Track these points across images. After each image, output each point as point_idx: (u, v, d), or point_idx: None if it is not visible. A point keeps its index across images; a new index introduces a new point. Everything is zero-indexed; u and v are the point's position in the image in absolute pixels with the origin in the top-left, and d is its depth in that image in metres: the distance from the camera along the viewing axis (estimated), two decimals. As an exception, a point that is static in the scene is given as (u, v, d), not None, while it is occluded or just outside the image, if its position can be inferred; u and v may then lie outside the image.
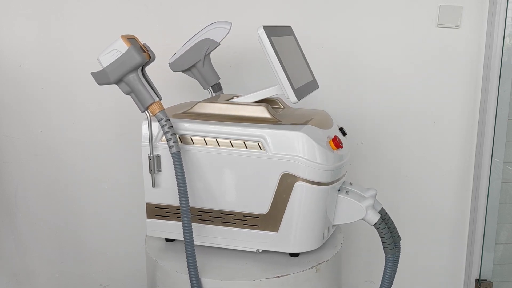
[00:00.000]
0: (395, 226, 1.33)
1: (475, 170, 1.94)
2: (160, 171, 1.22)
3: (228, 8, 1.76)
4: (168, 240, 1.34)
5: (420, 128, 1.91)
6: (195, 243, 1.21)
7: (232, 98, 1.30)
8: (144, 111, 1.16)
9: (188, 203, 1.15)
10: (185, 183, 1.14)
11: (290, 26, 1.39)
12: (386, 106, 1.88)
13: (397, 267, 1.31)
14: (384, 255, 1.26)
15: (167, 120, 1.15)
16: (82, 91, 1.78)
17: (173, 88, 1.79)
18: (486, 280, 2.01)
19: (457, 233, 2.02)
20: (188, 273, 1.16)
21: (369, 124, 1.89)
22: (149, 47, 1.19)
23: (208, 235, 1.24)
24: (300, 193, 1.15)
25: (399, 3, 1.79)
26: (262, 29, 1.16)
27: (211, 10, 1.76)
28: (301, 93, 1.22)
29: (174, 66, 1.43)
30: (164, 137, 1.19)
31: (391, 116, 1.89)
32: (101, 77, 1.14)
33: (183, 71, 1.44)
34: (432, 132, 1.91)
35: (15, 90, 1.77)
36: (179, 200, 1.15)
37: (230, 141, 1.17)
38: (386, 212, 1.32)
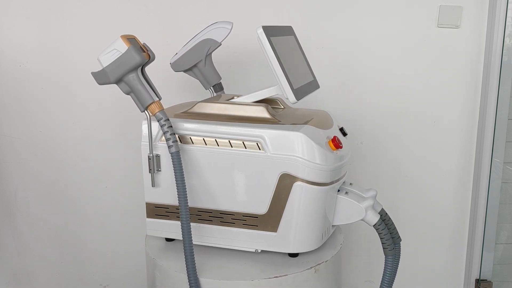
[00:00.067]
0: (395, 227, 1.33)
1: (475, 170, 1.94)
2: (160, 170, 1.23)
3: (228, 8, 1.76)
4: (168, 239, 1.34)
5: (420, 128, 1.90)
6: (194, 242, 1.21)
7: (233, 98, 1.30)
8: (144, 111, 1.17)
9: (187, 203, 1.15)
10: (184, 183, 1.14)
11: (290, 26, 1.39)
12: (386, 106, 1.88)
13: (397, 268, 1.31)
14: (384, 256, 1.26)
15: (166, 120, 1.15)
16: (82, 91, 1.78)
17: (173, 88, 1.79)
18: (486, 280, 2.00)
19: (457, 233, 2.02)
20: (187, 272, 1.16)
21: (369, 124, 1.89)
22: (149, 47, 1.19)
23: (207, 235, 1.24)
24: (299, 193, 1.15)
25: (399, 3, 1.79)
26: (261, 29, 1.16)
27: (211, 10, 1.76)
28: (300, 93, 1.22)
29: (176, 66, 1.43)
30: (163, 137, 1.19)
31: (391, 116, 1.89)
32: (101, 77, 1.14)
33: (185, 71, 1.45)
34: (432, 132, 1.91)
35: (15, 90, 1.77)
36: (178, 200, 1.15)
37: (229, 141, 1.17)
38: (386, 213, 1.31)
